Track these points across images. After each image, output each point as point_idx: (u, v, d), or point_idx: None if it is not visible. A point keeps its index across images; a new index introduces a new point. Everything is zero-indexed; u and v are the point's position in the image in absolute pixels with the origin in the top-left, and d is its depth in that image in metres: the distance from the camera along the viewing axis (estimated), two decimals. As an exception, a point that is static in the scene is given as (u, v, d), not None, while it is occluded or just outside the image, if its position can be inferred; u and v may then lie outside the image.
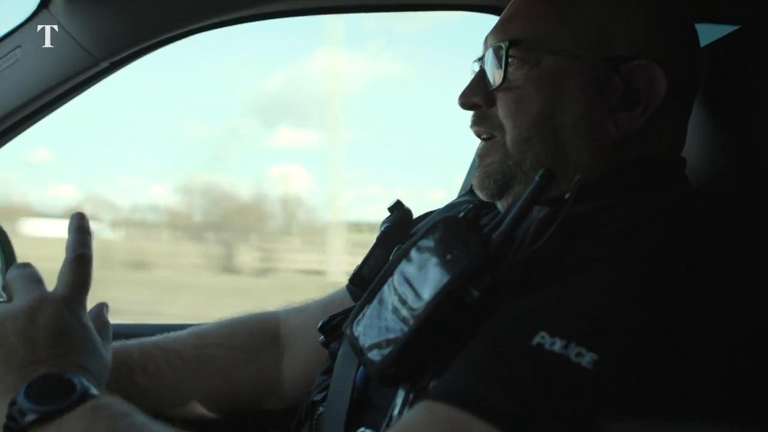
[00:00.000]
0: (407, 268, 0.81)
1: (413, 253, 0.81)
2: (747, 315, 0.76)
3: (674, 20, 0.97)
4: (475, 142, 1.02)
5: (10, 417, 0.75)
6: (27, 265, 0.89)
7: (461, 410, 0.68)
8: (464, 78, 1.03)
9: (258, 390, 1.23)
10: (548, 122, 0.93)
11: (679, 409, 0.70)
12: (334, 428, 0.97)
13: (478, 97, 0.98)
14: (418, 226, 1.15)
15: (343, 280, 1.22)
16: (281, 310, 1.29)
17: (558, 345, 0.68)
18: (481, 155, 1.00)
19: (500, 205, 0.99)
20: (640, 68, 0.92)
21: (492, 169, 0.97)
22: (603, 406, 0.67)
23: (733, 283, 0.77)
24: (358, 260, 1.18)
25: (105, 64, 1.40)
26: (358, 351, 0.82)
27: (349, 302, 1.17)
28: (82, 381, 0.77)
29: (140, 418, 0.77)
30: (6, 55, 1.37)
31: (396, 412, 0.83)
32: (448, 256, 0.77)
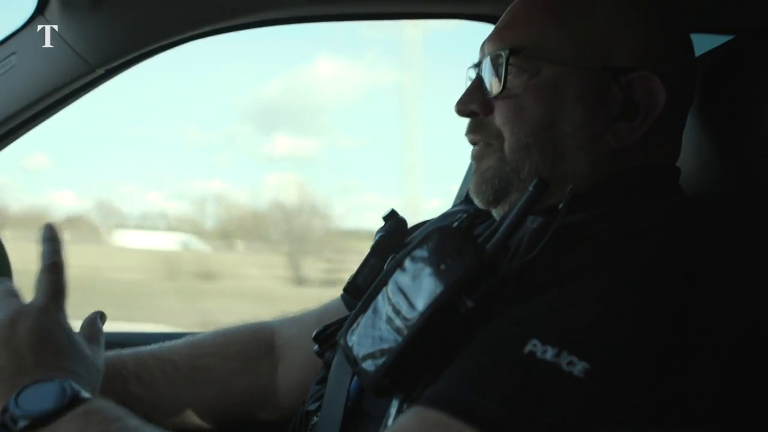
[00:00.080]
0: (401, 278, 0.81)
1: (407, 263, 0.81)
2: (742, 324, 0.76)
3: (672, 31, 0.97)
4: (470, 151, 1.02)
5: (2, 425, 0.76)
6: (3, 281, 0.91)
7: (453, 417, 0.68)
8: (460, 86, 1.03)
9: (253, 400, 1.23)
10: (547, 131, 0.93)
11: (671, 418, 0.71)
12: (328, 438, 0.96)
13: (475, 104, 0.98)
14: (413, 235, 1.15)
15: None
16: (276, 320, 1.29)
17: (550, 353, 0.69)
18: (477, 157, 0.99)
19: (495, 213, 0.99)
20: (639, 79, 0.92)
21: (489, 175, 0.97)
22: (594, 415, 0.68)
23: (728, 293, 0.77)
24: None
25: (101, 71, 1.40)
26: (352, 361, 0.82)
27: (343, 312, 1.16)
28: (71, 385, 0.78)
29: (133, 421, 0.78)
30: (2, 61, 1.37)
31: (390, 422, 0.83)
32: (442, 266, 0.77)
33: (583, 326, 0.71)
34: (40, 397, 0.77)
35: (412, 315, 0.77)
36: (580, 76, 0.93)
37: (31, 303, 0.87)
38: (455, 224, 0.85)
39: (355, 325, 0.84)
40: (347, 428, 0.95)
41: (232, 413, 1.22)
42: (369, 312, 0.83)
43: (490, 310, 0.75)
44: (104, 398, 0.82)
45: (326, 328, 1.07)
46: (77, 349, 0.86)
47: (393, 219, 1.17)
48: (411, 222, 1.20)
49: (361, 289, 1.10)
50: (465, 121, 1.01)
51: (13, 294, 0.89)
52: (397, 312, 0.78)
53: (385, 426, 0.84)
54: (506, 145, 0.95)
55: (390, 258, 1.04)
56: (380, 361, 0.78)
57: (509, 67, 0.94)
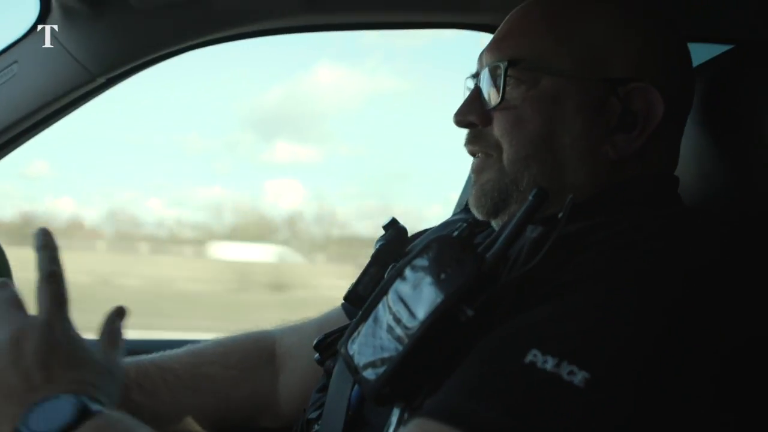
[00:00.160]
0: (402, 287, 0.81)
1: (408, 272, 0.81)
2: (741, 332, 0.76)
3: (669, 41, 0.98)
4: (471, 158, 1.02)
5: None
6: (4, 286, 0.88)
7: (454, 428, 0.68)
8: (460, 94, 1.04)
9: (254, 408, 1.23)
10: (546, 143, 0.93)
11: (672, 427, 0.71)
12: (329, 446, 0.97)
13: (474, 115, 0.98)
14: (413, 244, 1.15)
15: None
16: (277, 329, 1.29)
17: (550, 363, 0.69)
18: (476, 170, 1.00)
19: (495, 224, 0.99)
20: (638, 90, 0.92)
21: (488, 187, 0.97)
22: (595, 425, 0.68)
23: (727, 301, 0.77)
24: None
25: (102, 80, 1.41)
26: (353, 369, 0.82)
27: (344, 320, 1.16)
28: (81, 399, 0.76)
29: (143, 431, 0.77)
30: (3, 70, 1.37)
31: (391, 430, 0.83)
32: (442, 276, 0.77)
33: (582, 336, 0.71)
34: (49, 416, 0.75)
35: (412, 324, 0.77)
36: (578, 87, 0.93)
37: (35, 317, 0.84)
38: (455, 234, 0.85)
39: (356, 333, 0.84)
40: (348, 437, 0.95)
41: (232, 421, 1.22)
42: (370, 321, 0.83)
43: (490, 320, 0.76)
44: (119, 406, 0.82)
45: (327, 336, 1.08)
46: (87, 358, 0.84)
47: (393, 228, 1.17)
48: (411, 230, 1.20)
49: (362, 298, 1.10)
50: (465, 129, 1.01)
51: (16, 302, 0.86)
52: (398, 321, 0.79)
53: None
54: (505, 156, 0.95)
55: (390, 267, 1.05)
56: (381, 369, 0.78)
57: (508, 79, 0.94)
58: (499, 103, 0.95)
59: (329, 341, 1.07)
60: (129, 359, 1.18)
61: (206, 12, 1.35)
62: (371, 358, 0.80)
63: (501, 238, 0.80)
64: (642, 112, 0.93)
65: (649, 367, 0.70)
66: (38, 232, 0.88)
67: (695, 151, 1.09)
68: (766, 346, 0.76)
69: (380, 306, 0.82)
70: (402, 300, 0.80)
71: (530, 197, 0.82)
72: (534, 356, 0.70)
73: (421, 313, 0.76)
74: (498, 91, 0.95)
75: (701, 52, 1.21)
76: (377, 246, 1.15)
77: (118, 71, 1.41)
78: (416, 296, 0.78)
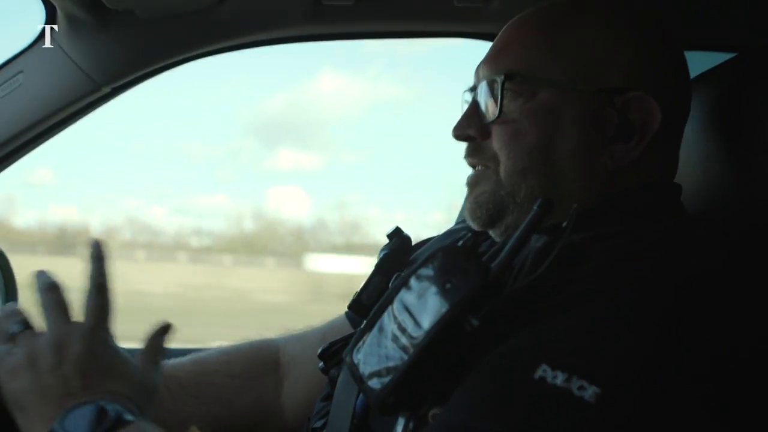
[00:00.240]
0: (407, 296, 0.81)
1: (413, 282, 0.81)
2: (747, 343, 0.76)
3: (665, 50, 0.98)
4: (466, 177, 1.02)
5: None
6: (55, 288, 0.89)
7: None
8: (463, 101, 1.04)
9: (258, 417, 1.23)
10: (543, 154, 0.93)
11: None
12: (334, 455, 0.96)
13: (472, 129, 0.98)
14: (416, 253, 1.16)
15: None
16: (280, 338, 1.29)
17: (560, 378, 0.69)
18: (471, 184, 1.00)
19: (493, 234, 0.99)
20: (635, 100, 0.92)
21: (483, 199, 0.97)
22: None
23: (732, 312, 0.78)
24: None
25: (107, 90, 1.41)
26: (358, 379, 0.82)
27: (347, 329, 1.17)
28: (116, 407, 0.79)
29: None
30: (9, 80, 1.38)
31: (396, 439, 0.83)
32: (447, 285, 0.77)
33: (592, 350, 0.71)
34: (85, 420, 0.78)
35: (417, 333, 0.77)
36: (575, 98, 0.93)
37: (79, 325, 0.87)
38: (460, 243, 0.85)
39: (360, 343, 0.84)
40: (353, 446, 0.95)
41: (236, 430, 1.22)
42: (375, 330, 0.83)
43: (495, 329, 0.76)
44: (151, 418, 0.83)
45: (331, 345, 1.07)
46: (124, 369, 0.86)
47: (397, 236, 1.17)
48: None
49: (366, 307, 1.10)
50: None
51: (63, 307, 0.88)
52: (403, 330, 0.79)
53: None
54: (502, 168, 0.95)
55: (395, 276, 1.05)
56: (386, 379, 0.78)
57: (505, 92, 0.94)
58: (497, 116, 0.95)
59: (333, 350, 1.07)
60: None
61: (211, 22, 1.36)
62: (376, 368, 0.80)
63: (506, 248, 0.80)
64: (639, 122, 0.93)
65: (659, 380, 0.70)
66: (92, 244, 0.91)
67: (699, 159, 1.09)
68: (766, 353, 0.76)
69: (385, 315, 0.82)
70: (407, 309, 0.80)
71: (535, 207, 0.82)
72: (544, 371, 0.70)
73: (427, 322, 0.76)
74: (496, 104, 0.95)
75: (705, 61, 1.22)
76: (381, 255, 1.15)
77: (123, 81, 1.41)
78: (421, 306, 0.78)
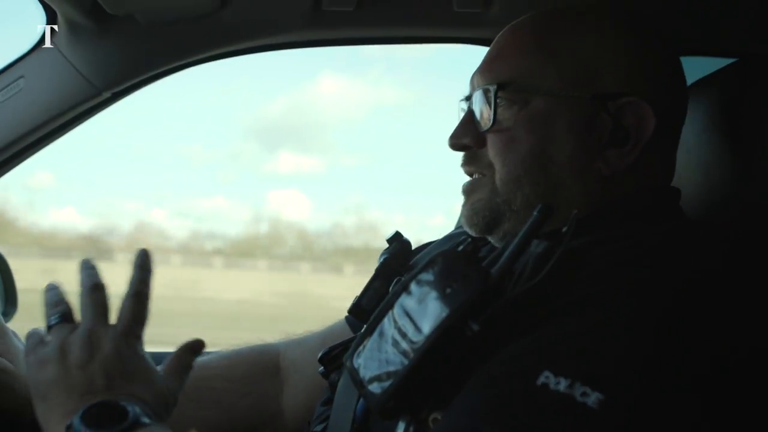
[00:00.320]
0: (407, 301, 0.81)
1: (413, 287, 0.82)
2: (747, 343, 0.76)
3: (659, 55, 0.98)
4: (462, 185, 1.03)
5: None
6: (99, 288, 0.91)
7: None
8: (463, 104, 1.04)
9: (258, 421, 1.23)
10: (538, 162, 0.93)
11: None
12: (334, 459, 0.97)
13: (468, 138, 0.99)
14: (416, 257, 1.16)
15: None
16: (281, 342, 1.30)
17: (563, 384, 0.69)
18: (467, 191, 1.00)
19: (491, 239, 1.00)
20: (628, 105, 0.92)
21: (479, 206, 0.97)
22: None
23: (732, 312, 0.78)
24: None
25: (107, 94, 1.42)
26: (359, 383, 0.82)
27: (348, 334, 1.17)
28: (135, 409, 0.80)
29: None
30: (9, 84, 1.38)
31: (397, 444, 0.83)
32: (448, 290, 0.77)
33: (594, 356, 0.71)
34: (104, 418, 0.79)
35: (418, 338, 0.77)
36: (569, 105, 0.93)
37: (113, 327, 0.88)
38: (460, 248, 0.86)
39: (361, 347, 0.84)
40: (353, 450, 0.95)
41: (237, 434, 1.22)
42: (375, 335, 0.83)
43: (496, 334, 0.76)
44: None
45: (331, 349, 1.08)
46: (148, 377, 0.87)
47: (397, 241, 1.17)
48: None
49: (366, 311, 1.11)
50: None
51: (103, 309, 0.89)
52: (403, 335, 0.79)
53: None
54: (497, 176, 0.96)
55: (395, 281, 1.05)
56: (386, 383, 0.78)
57: (499, 100, 0.95)
58: (492, 125, 0.95)
59: (333, 354, 1.07)
60: None
61: (211, 28, 1.36)
62: (377, 372, 0.80)
63: (506, 253, 0.80)
64: (633, 127, 0.92)
65: (662, 386, 0.70)
66: (139, 253, 0.93)
67: (699, 163, 1.09)
68: (765, 356, 0.76)
69: (386, 320, 0.83)
70: (407, 314, 0.80)
71: (535, 213, 0.82)
72: (546, 378, 0.70)
73: (427, 327, 0.76)
74: (490, 113, 0.95)
75: (705, 66, 1.22)
76: (381, 259, 1.15)
77: (124, 86, 1.41)
78: (422, 311, 0.78)
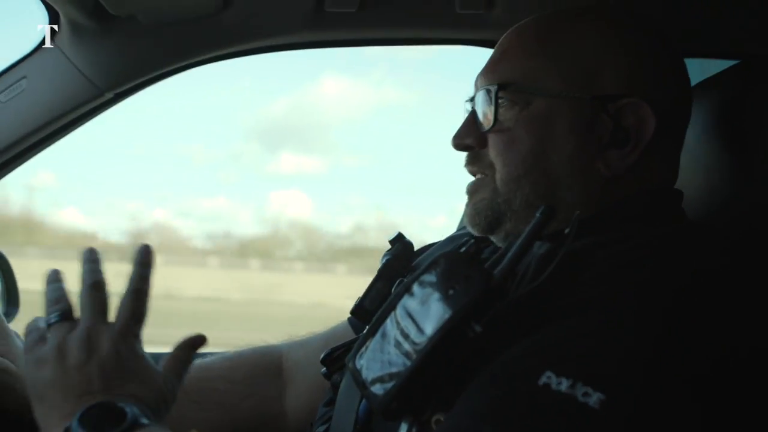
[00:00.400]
0: (410, 302, 0.81)
1: (415, 288, 0.82)
2: (747, 343, 0.76)
3: (660, 55, 0.98)
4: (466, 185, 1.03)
5: None
6: (100, 286, 0.90)
7: None
8: (467, 105, 1.04)
9: (261, 422, 1.23)
10: (538, 162, 0.94)
11: None
12: (337, 460, 0.97)
13: (470, 138, 0.99)
14: (419, 259, 1.16)
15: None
16: (283, 343, 1.30)
17: (564, 385, 0.69)
18: (470, 191, 1.01)
19: (494, 239, 1.00)
20: (628, 106, 0.92)
21: (482, 206, 0.98)
22: None
23: (732, 313, 0.78)
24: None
25: (110, 95, 1.42)
26: (361, 384, 0.82)
27: (350, 335, 1.17)
28: (133, 410, 0.80)
29: None
30: (12, 85, 1.38)
31: (399, 445, 0.83)
32: (450, 291, 0.77)
33: (596, 356, 0.71)
34: (102, 420, 0.79)
35: (420, 339, 0.77)
36: (569, 106, 0.93)
37: (111, 326, 0.87)
38: (463, 249, 0.86)
39: (363, 348, 0.84)
40: (356, 451, 0.95)
41: (239, 436, 1.22)
42: (377, 336, 0.83)
43: (498, 335, 0.76)
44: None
45: (333, 350, 1.08)
46: (146, 376, 0.87)
47: (400, 242, 1.17)
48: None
49: (368, 312, 1.11)
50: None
51: (102, 309, 0.89)
52: (406, 336, 0.79)
53: None
54: (498, 177, 0.96)
55: (398, 282, 1.05)
56: (389, 384, 0.78)
57: (500, 101, 0.95)
58: (493, 125, 0.96)
59: (336, 355, 1.07)
60: None
61: (213, 29, 1.36)
62: (379, 373, 0.80)
63: (509, 255, 0.81)
64: (633, 128, 0.92)
65: (663, 386, 0.70)
66: (140, 249, 0.92)
67: (701, 165, 1.09)
68: (766, 357, 0.76)
69: (388, 321, 0.83)
70: (410, 315, 0.80)
71: (537, 214, 0.82)
72: (548, 378, 0.70)
73: (429, 328, 0.77)
74: (491, 113, 0.96)
75: (707, 67, 1.22)
76: (384, 261, 1.15)
77: (126, 86, 1.42)
78: (424, 312, 0.78)
